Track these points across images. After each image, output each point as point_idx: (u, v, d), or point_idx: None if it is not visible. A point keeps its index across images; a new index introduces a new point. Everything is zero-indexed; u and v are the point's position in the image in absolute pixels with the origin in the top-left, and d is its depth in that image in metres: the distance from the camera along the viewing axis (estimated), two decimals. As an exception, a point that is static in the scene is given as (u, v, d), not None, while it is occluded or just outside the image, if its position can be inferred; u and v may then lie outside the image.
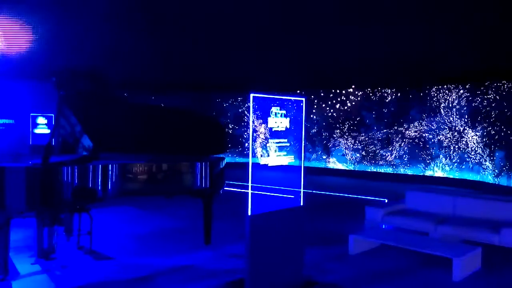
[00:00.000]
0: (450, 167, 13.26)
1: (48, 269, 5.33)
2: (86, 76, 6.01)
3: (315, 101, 16.11)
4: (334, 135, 15.80)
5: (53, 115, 13.05)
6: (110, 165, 5.28)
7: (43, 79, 12.39)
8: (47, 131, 13.51)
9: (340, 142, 15.68)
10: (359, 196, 10.83)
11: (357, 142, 15.31)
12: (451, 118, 13.21)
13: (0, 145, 13.43)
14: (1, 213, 4.70)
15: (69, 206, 5.51)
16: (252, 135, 4.31)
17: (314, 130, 16.15)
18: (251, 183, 4.16)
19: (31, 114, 13.60)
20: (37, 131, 13.61)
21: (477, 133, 12.46)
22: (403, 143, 14.31)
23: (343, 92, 15.57)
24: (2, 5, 8.60)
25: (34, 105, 13.86)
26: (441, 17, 9.89)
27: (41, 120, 13.66)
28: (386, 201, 9.24)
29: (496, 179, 11.63)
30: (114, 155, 6.02)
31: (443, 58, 11.65)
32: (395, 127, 14.45)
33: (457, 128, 13.08)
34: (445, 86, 13.34)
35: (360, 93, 15.18)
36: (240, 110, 17.57)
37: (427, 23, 10.21)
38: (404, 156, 14.31)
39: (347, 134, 15.51)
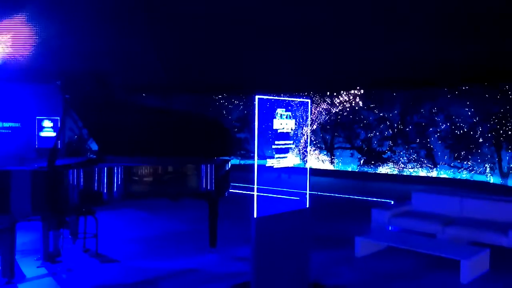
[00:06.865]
0: (457, 168, 13.18)
1: (54, 272, 5.34)
2: (91, 79, 6.02)
3: (320, 102, 16.06)
4: (338, 136, 15.75)
5: (59, 118, 13.10)
6: (115, 168, 5.28)
7: (48, 82, 12.44)
8: (53, 134, 13.52)
9: (344, 143, 15.62)
10: (364, 198, 10.77)
11: (361, 142, 15.25)
12: (457, 119, 13.14)
13: (6, 148, 13.48)
14: (6, 217, 4.70)
15: (74, 209, 5.51)
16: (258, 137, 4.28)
17: (318, 131, 16.10)
18: (257, 185, 4.13)
19: (37, 117, 13.62)
20: (43, 134, 13.63)
21: (486, 134, 12.38)
22: (408, 144, 14.23)
23: (347, 93, 15.51)
24: (7, 9, 8.66)
25: (40, 108, 13.89)
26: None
27: (47, 123, 13.67)
28: (392, 202, 9.19)
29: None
30: (120, 158, 6.02)
31: (446, 62, 11.62)
32: (400, 128, 14.38)
33: (463, 129, 13.00)
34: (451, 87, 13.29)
35: (362, 93, 15.14)
36: (245, 112, 17.53)
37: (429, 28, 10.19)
38: (409, 157, 14.22)
39: (350, 135, 15.46)
